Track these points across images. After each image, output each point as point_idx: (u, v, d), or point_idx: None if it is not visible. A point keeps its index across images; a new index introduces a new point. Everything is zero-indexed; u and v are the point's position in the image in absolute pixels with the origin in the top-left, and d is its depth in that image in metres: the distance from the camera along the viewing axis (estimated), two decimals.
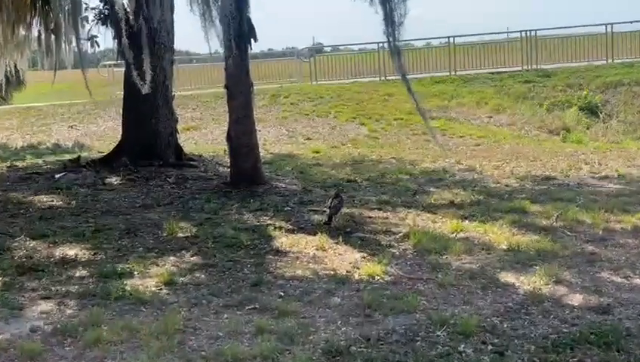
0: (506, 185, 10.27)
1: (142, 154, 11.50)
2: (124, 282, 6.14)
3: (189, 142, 16.08)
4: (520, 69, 22.70)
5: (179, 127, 12.95)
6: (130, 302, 5.70)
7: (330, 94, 20.90)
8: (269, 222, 8.24)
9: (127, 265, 6.63)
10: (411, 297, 5.58)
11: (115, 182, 10.66)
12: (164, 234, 7.74)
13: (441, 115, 18.74)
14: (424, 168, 12.00)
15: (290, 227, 8.00)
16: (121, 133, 12.37)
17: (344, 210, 8.37)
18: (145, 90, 10.05)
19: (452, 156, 13.21)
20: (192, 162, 12.04)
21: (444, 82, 21.94)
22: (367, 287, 5.92)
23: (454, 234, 7.54)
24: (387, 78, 22.47)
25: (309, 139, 16.77)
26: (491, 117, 18.95)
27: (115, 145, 12.41)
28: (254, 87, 10.42)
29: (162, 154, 11.65)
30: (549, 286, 5.86)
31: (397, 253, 6.92)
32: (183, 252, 7.09)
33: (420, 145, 15.60)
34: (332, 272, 6.34)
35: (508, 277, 6.13)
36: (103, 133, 18.37)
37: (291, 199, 9.44)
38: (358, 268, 6.42)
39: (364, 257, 6.77)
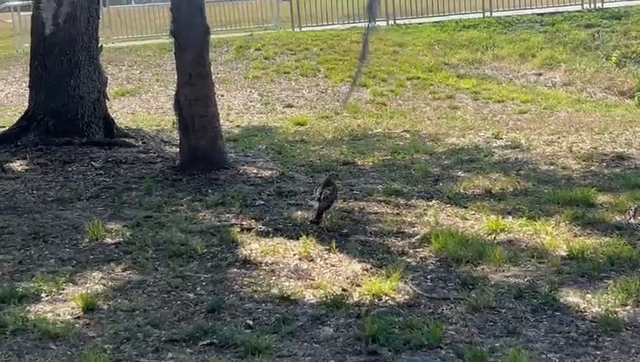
0: (564, 168, 10.37)
1: (57, 128, 11.44)
2: (27, 308, 6.08)
3: (124, 111, 16.06)
4: (579, 8, 22.82)
5: (109, 90, 12.86)
6: (34, 336, 5.62)
7: (319, 45, 20.96)
8: (233, 221, 8.23)
9: (32, 284, 6.55)
10: (433, 325, 5.57)
11: (20, 168, 10.61)
12: (86, 240, 7.69)
13: (473, 73, 18.86)
14: (450, 145, 12.09)
15: (264, 228, 7.98)
16: (28, 99, 12.26)
17: (338, 203, 8.34)
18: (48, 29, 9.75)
19: (488, 128, 13.29)
20: (127, 139, 11.99)
21: (476, 27, 22.07)
22: (370, 312, 5.89)
23: (492, 237, 7.58)
24: (397, 22, 22.68)
25: (289, 106, 16.81)
26: (540, 74, 19.08)
27: (21, 116, 12.30)
28: (214, 36, 10.31)
29: (85, 128, 11.57)
30: (628, 308, 5.86)
31: (413, 264, 6.93)
32: (112, 264, 7.05)
33: (443, 113, 15.68)
34: (321, 291, 6.32)
35: (569, 295, 6.14)
36: (5, 100, 18.32)
37: (265, 189, 9.44)
38: (358, 286, 6.42)
39: (366, 269, 6.77)
